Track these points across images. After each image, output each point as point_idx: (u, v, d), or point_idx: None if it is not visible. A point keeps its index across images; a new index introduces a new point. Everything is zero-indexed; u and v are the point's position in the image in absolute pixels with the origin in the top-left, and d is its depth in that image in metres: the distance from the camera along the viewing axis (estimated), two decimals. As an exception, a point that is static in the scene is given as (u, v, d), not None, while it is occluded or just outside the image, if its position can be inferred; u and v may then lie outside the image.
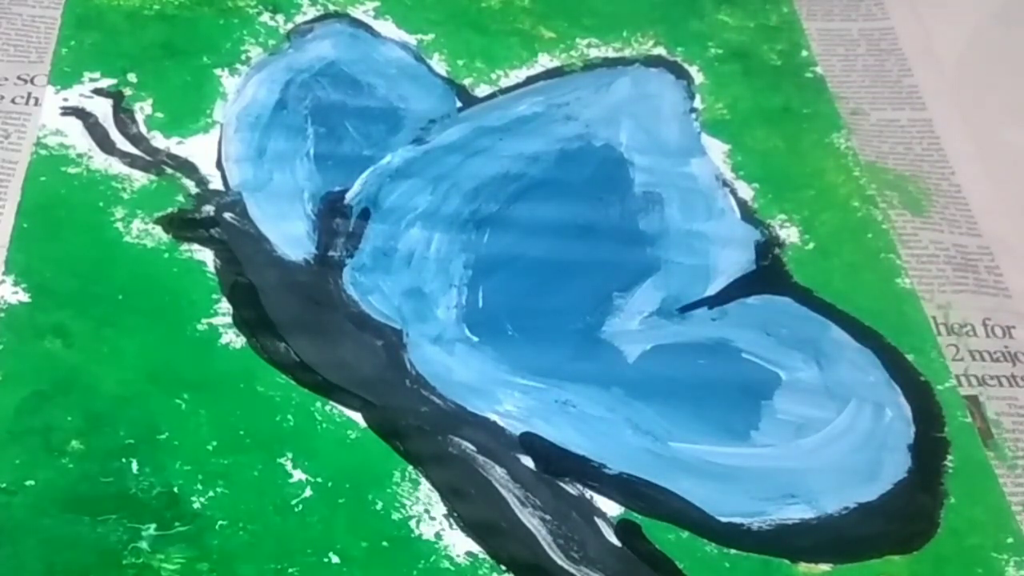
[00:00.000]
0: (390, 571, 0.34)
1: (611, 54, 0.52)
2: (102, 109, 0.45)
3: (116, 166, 0.44)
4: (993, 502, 0.38)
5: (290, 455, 0.36)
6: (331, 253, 0.42)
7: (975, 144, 0.50)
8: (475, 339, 0.41)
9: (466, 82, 0.50)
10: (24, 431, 0.36)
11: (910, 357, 0.42)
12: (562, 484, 0.37)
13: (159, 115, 0.46)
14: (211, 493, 0.35)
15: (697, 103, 0.50)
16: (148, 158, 0.44)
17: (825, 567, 0.36)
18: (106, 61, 0.47)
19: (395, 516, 0.36)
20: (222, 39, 0.49)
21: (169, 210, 0.43)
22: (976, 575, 0.36)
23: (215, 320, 0.40)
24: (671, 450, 0.38)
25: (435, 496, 0.36)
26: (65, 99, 0.46)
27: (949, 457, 0.39)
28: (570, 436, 0.38)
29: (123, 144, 0.44)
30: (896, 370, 0.41)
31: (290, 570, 0.34)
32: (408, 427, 0.38)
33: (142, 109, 0.46)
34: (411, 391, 0.39)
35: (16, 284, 0.39)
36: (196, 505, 0.35)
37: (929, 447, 0.39)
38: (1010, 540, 0.37)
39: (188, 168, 0.44)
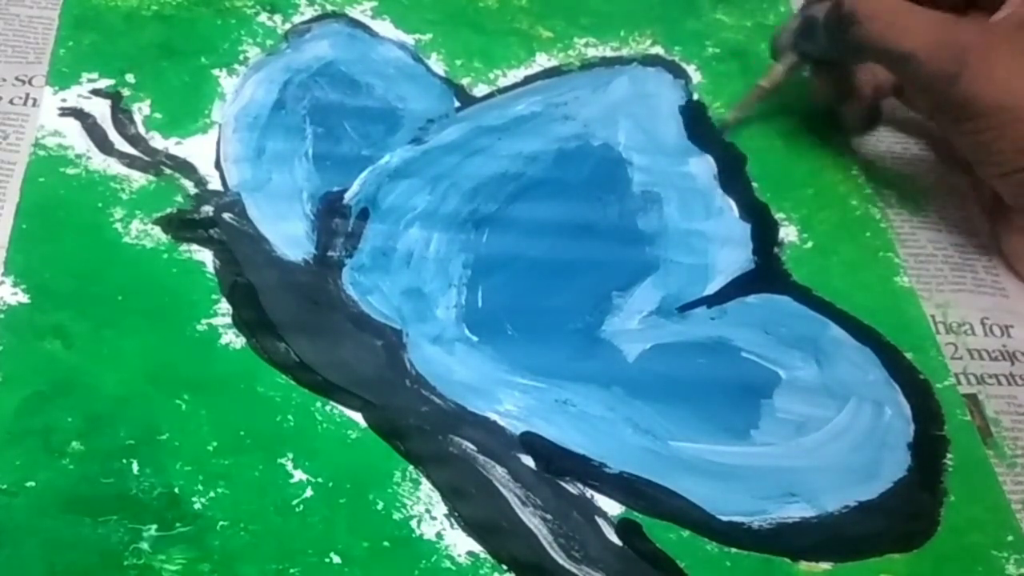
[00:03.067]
0: (391, 571, 0.34)
1: (609, 53, 0.52)
2: (100, 110, 0.45)
3: (115, 167, 0.43)
4: (993, 500, 0.38)
5: (291, 455, 0.36)
6: (330, 253, 0.42)
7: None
8: (475, 339, 0.41)
9: (464, 82, 0.50)
10: (24, 432, 0.36)
11: (909, 355, 0.42)
12: (563, 483, 0.37)
13: (157, 115, 0.46)
14: (212, 494, 0.35)
15: (695, 102, 0.50)
16: (147, 159, 0.44)
17: (825, 566, 0.36)
18: (104, 62, 0.47)
19: (396, 516, 0.36)
20: (220, 39, 0.49)
21: (168, 210, 0.42)
22: (976, 573, 0.36)
23: (215, 320, 0.39)
24: (671, 449, 0.38)
25: (436, 496, 0.36)
26: (63, 100, 0.45)
27: (949, 455, 0.39)
28: (570, 435, 0.38)
29: (122, 145, 0.44)
30: (895, 368, 0.41)
31: (291, 570, 0.34)
32: (408, 427, 0.38)
33: (140, 110, 0.46)
34: (411, 391, 0.39)
35: (16, 285, 0.39)
36: (197, 506, 0.35)
37: (929, 445, 0.39)
38: (1010, 538, 0.37)
39: (187, 168, 0.44)
